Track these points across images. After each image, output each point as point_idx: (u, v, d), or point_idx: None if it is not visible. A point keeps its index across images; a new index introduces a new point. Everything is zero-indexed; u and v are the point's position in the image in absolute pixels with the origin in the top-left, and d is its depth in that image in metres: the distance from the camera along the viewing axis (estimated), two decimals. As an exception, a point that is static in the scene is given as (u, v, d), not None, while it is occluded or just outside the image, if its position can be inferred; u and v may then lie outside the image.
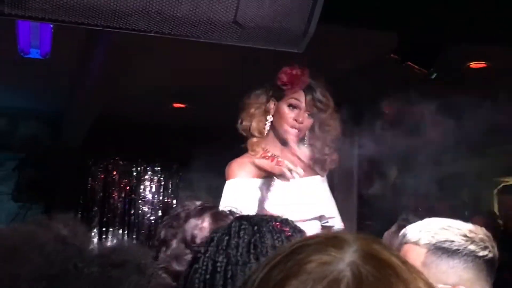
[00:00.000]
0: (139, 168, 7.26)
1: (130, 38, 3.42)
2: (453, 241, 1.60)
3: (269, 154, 2.72)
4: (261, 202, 2.57)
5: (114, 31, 2.60)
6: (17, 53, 3.63)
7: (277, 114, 2.70)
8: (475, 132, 5.46)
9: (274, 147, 2.73)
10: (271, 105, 2.71)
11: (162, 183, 7.30)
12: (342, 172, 5.24)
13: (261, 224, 1.15)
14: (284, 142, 2.71)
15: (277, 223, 1.16)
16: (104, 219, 7.12)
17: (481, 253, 1.61)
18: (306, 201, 2.68)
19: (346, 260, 0.69)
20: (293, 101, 2.66)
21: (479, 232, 1.66)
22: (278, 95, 2.70)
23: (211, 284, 1.07)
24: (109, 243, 1.03)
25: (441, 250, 1.59)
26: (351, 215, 5.31)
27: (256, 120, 2.72)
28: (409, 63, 3.36)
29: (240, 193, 2.61)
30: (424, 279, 0.71)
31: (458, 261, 1.59)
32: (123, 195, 7.20)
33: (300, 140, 2.72)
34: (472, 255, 1.60)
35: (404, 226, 2.30)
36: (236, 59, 4.14)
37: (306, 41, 2.23)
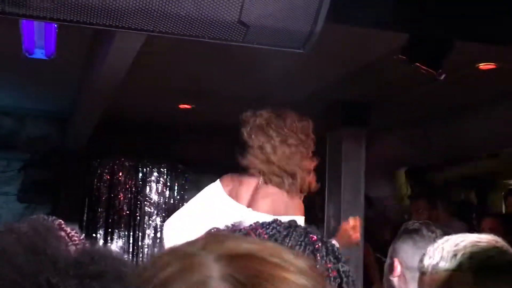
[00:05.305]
0: (145, 169, 7.23)
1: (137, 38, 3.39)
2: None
3: None
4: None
5: (117, 31, 2.56)
6: (22, 53, 3.60)
7: None
8: (484, 135, 5.41)
9: None
10: None
11: (168, 184, 7.27)
12: (349, 173, 5.19)
13: (296, 225, 1.15)
14: None
15: (313, 236, 1.15)
16: (110, 220, 7.09)
17: None
18: None
19: (215, 276, 0.65)
20: None
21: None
22: None
23: None
24: (86, 251, 0.93)
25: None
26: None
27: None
28: (417, 64, 3.31)
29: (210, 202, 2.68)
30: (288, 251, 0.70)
31: None
32: (128, 195, 7.18)
33: None
34: None
35: (411, 230, 2.23)
36: (243, 61, 4.10)
37: (312, 41, 2.18)
